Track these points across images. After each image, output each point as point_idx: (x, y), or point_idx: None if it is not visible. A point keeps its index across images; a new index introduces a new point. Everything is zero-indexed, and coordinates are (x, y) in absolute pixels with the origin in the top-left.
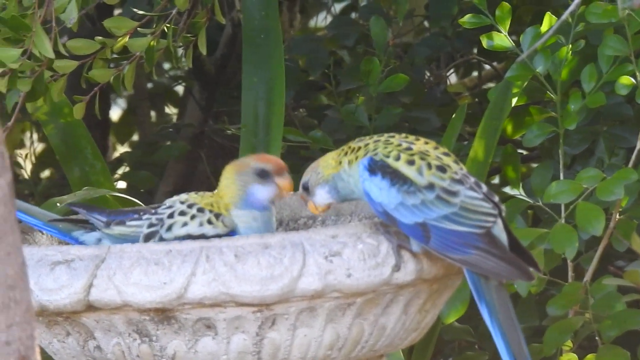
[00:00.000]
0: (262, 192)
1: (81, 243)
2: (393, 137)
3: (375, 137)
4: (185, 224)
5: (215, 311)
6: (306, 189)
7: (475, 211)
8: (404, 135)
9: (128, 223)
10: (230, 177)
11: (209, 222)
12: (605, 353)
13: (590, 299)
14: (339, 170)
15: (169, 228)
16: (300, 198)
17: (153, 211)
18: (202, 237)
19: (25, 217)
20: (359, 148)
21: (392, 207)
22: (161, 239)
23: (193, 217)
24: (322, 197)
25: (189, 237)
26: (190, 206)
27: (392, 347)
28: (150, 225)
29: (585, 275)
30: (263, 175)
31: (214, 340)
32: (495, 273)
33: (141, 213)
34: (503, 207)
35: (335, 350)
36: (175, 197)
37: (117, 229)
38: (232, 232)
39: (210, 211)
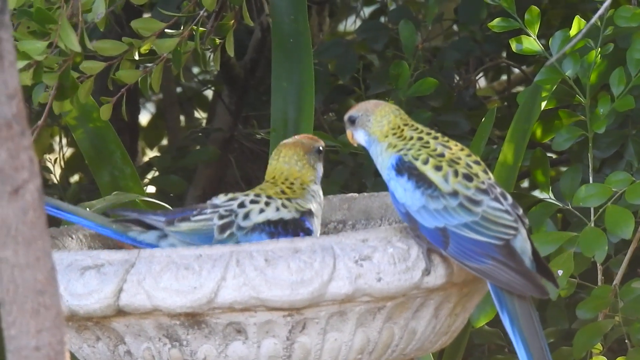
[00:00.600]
0: (321, 169)
1: (140, 242)
2: (436, 139)
3: (424, 134)
4: (262, 211)
5: (245, 315)
6: (352, 122)
7: (496, 222)
8: (446, 139)
9: (193, 218)
10: (301, 157)
11: (284, 206)
12: (635, 356)
13: (619, 302)
14: (380, 140)
15: (246, 216)
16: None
17: (210, 206)
18: (281, 221)
19: (76, 219)
20: (404, 138)
21: (414, 210)
22: (239, 228)
23: (267, 203)
24: (360, 138)
25: (268, 223)
26: (257, 196)
27: (422, 350)
28: (222, 217)
29: (614, 279)
30: (320, 152)
31: (245, 344)
32: (509, 285)
33: (198, 210)
34: (527, 220)
35: (365, 354)
36: (225, 196)
37: (184, 225)
38: (302, 218)
39: (280, 198)
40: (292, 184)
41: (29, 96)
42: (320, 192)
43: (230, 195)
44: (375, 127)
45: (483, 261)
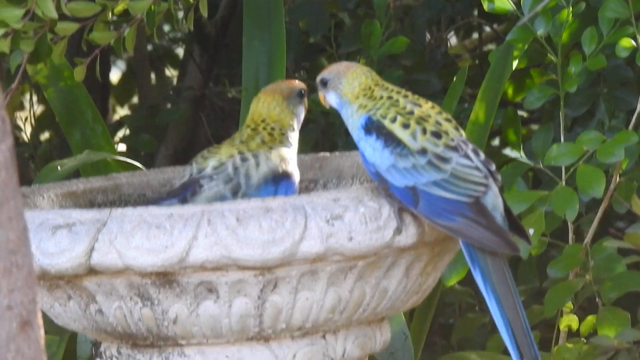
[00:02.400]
0: (303, 112)
1: None
2: (406, 97)
3: (394, 92)
4: (258, 164)
5: (217, 275)
6: (324, 84)
7: (465, 179)
8: (416, 97)
9: (204, 190)
10: (280, 103)
11: (269, 158)
12: (606, 314)
13: (590, 261)
14: (352, 102)
15: (248, 175)
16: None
17: (204, 177)
18: (275, 170)
19: None
20: (374, 98)
21: (384, 169)
22: (248, 186)
23: (256, 156)
24: (332, 100)
25: (266, 175)
26: (242, 153)
27: (393, 309)
28: (228, 181)
29: (585, 237)
30: (302, 96)
31: (216, 303)
32: (480, 242)
33: (195, 183)
34: (499, 176)
35: (337, 314)
36: (205, 159)
37: (200, 199)
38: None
39: (262, 150)
40: (272, 129)
41: (1, 56)
42: (296, 140)
43: (214, 159)
44: (347, 89)
45: (453, 219)
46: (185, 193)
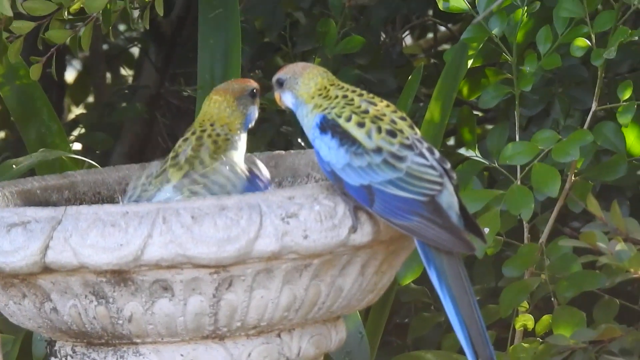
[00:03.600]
0: (255, 112)
1: None
2: (361, 96)
3: (349, 92)
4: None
5: (172, 273)
6: (280, 84)
7: (420, 178)
8: (371, 96)
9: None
10: (230, 103)
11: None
12: (562, 314)
13: (546, 260)
14: (307, 102)
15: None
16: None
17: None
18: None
19: None
20: (330, 97)
21: (339, 167)
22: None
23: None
24: (288, 100)
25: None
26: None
27: (349, 308)
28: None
29: (541, 237)
30: (254, 96)
31: (171, 301)
32: (436, 242)
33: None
34: (454, 174)
35: (292, 312)
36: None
37: None
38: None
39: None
40: (218, 135)
41: None
42: (244, 141)
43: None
44: (303, 89)
45: (409, 218)
46: None
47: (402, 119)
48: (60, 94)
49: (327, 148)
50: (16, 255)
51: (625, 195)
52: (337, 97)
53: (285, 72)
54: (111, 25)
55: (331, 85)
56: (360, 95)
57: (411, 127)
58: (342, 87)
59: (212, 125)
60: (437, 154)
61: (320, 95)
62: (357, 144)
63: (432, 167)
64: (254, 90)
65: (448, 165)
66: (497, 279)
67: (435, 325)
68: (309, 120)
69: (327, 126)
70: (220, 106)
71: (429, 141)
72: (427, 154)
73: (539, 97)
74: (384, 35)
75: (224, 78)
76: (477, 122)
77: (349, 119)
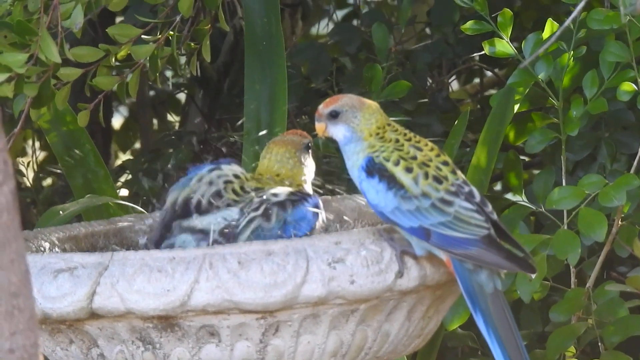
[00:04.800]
0: (312, 164)
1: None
2: (409, 140)
3: (400, 135)
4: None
5: (218, 318)
6: (334, 116)
7: (468, 222)
8: (417, 139)
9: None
10: (292, 155)
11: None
12: (608, 359)
13: (593, 305)
14: (365, 139)
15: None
16: (317, 113)
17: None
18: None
19: None
20: (385, 140)
21: (388, 211)
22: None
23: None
24: (339, 133)
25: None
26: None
27: (395, 353)
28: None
29: (587, 281)
30: (308, 149)
31: (218, 347)
32: (496, 265)
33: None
34: (495, 216)
35: (338, 357)
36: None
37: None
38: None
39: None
40: (283, 182)
41: (3, 100)
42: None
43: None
44: (364, 124)
45: (467, 247)
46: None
47: (445, 163)
48: (107, 139)
49: (374, 191)
50: (63, 301)
51: None
52: (390, 140)
53: (340, 105)
54: (158, 71)
55: (387, 125)
56: (409, 139)
57: (453, 172)
58: (396, 130)
59: (278, 175)
60: (477, 196)
61: (377, 135)
62: (404, 188)
63: (477, 211)
64: (309, 144)
65: (489, 208)
66: (544, 323)
67: None
68: (357, 159)
69: (374, 170)
70: (282, 158)
71: (471, 185)
72: (470, 198)
73: (585, 142)
74: (430, 80)
75: (270, 123)
76: (523, 167)
77: (396, 164)
